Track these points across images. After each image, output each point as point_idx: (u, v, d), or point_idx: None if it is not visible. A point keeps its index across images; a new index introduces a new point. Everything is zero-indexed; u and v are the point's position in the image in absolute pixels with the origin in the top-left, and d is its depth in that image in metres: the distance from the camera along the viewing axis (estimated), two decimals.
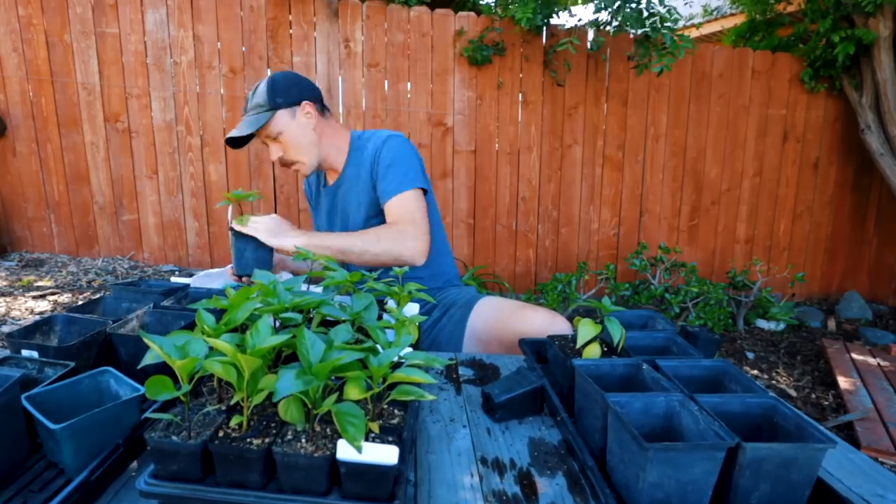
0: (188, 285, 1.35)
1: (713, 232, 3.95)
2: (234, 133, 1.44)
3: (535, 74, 3.53)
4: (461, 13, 3.41)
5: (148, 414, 0.69)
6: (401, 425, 0.72)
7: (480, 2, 4.15)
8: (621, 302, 3.42)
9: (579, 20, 3.67)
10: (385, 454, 0.61)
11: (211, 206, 3.36)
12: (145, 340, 0.65)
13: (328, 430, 0.68)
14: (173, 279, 1.52)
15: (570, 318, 2.82)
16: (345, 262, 1.39)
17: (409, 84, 3.42)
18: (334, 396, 0.67)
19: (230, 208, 1.39)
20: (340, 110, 3.38)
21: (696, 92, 3.73)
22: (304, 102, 1.48)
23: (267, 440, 0.65)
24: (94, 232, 3.32)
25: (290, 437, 0.66)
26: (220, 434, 0.66)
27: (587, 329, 0.95)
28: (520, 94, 3.55)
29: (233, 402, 0.72)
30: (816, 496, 0.69)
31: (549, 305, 3.18)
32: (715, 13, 5.81)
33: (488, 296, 1.60)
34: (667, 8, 3.14)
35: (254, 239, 1.33)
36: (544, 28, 3.45)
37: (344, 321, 0.88)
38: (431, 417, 0.99)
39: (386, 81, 3.39)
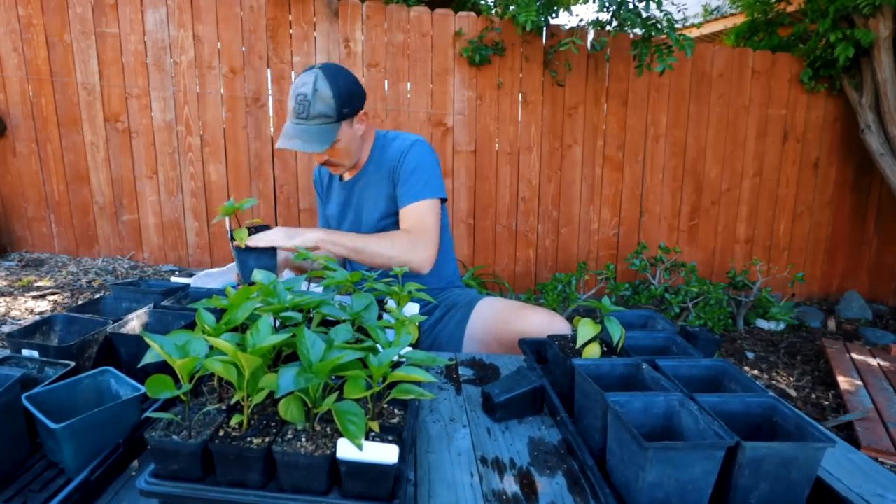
0: (188, 285, 1.36)
1: (713, 232, 3.95)
2: (301, 148, 1.37)
3: (535, 74, 3.53)
4: (461, 13, 3.41)
5: (148, 413, 0.69)
6: (401, 425, 0.72)
7: (480, 2, 4.15)
8: (621, 302, 3.42)
9: (581, 20, 3.69)
10: (385, 453, 0.61)
11: (211, 206, 3.36)
12: (146, 339, 0.65)
13: (328, 429, 0.68)
14: (173, 279, 1.52)
15: (570, 318, 2.82)
16: (355, 260, 1.41)
17: (409, 84, 3.43)
18: (334, 395, 0.67)
19: (227, 221, 1.37)
20: None
21: (696, 92, 3.73)
22: (362, 111, 1.49)
23: (267, 439, 0.65)
24: (94, 232, 3.32)
25: (290, 436, 0.66)
26: (221, 433, 0.66)
27: (587, 329, 0.96)
28: (520, 94, 3.55)
29: (233, 401, 0.72)
30: (816, 496, 0.69)
31: (549, 305, 3.18)
32: (715, 13, 5.81)
33: (489, 297, 1.61)
34: (665, 13, 3.15)
35: (255, 249, 1.32)
36: (545, 28, 3.45)
37: (344, 321, 0.88)
38: (431, 417, 0.99)
39: (386, 81, 3.40)
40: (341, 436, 0.63)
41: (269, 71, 3.28)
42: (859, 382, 2.58)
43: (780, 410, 0.73)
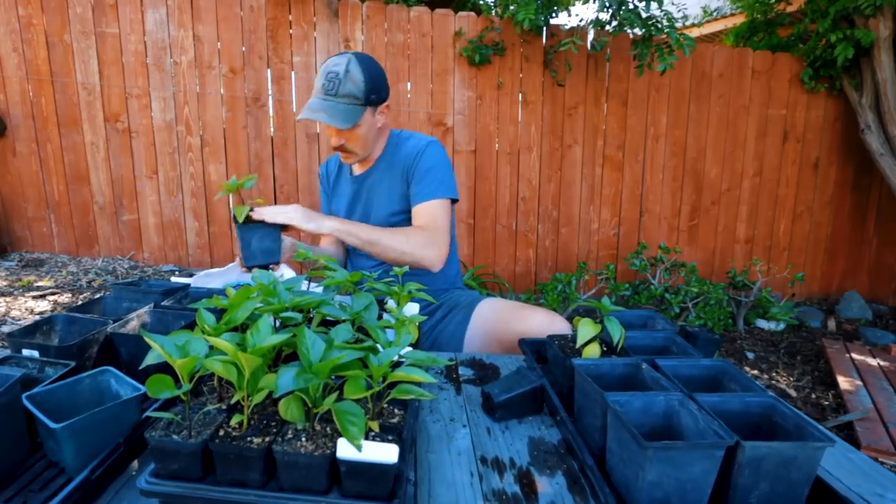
0: (188, 285, 1.36)
1: (713, 232, 3.95)
2: (326, 121, 1.37)
3: (535, 74, 3.53)
4: (461, 13, 3.41)
5: (149, 413, 0.69)
6: (401, 424, 0.72)
7: (480, 2, 4.15)
8: (621, 302, 3.42)
9: (581, 20, 3.70)
10: (385, 453, 0.61)
11: (211, 206, 3.36)
12: (146, 339, 0.66)
13: (328, 429, 0.68)
14: (173, 279, 1.51)
15: (570, 318, 2.82)
16: (368, 252, 1.40)
17: (409, 84, 3.43)
18: (334, 395, 0.67)
19: (231, 199, 1.33)
20: None
21: (696, 92, 3.73)
22: (385, 104, 1.51)
23: (267, 439, 0.65)
24: (94, 232, 3.32)
25: (290, 435, 0.66)
26: (221, 433, 0.66)
27: (587, 329, 0.96)
28: (520, 94, 3.55)
29: (233, 401, 0.72)
30: (816, 495, 0.69)
31: (549, 305, 3.18)
32: (715, 13, 5.80)
33: (490, 297, 1.61)
34: (665, 13, 3.15)
35: (259, 229, 1.29)
36: (544, 28, 3.45)
37: (344, 321, 0.88)
38: (431, 417, 0.99)
39: None
40: (341, 435, 0.63)
41: (269, 71, 3.28)
42: (859, 382, 2.58)
43: (780, 410, 0.73)
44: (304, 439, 0.65)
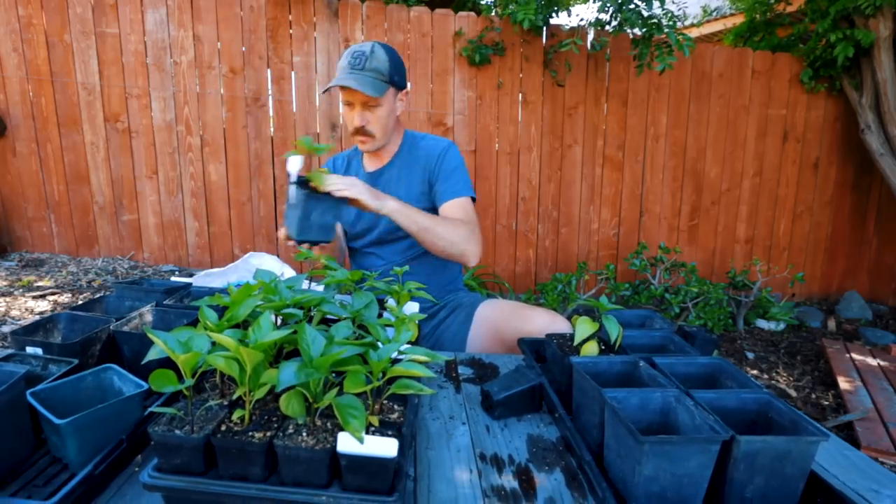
0: (190, 284, 1.36)
1: (713, 232, 3.96)
2: (356, 86, 1.37)
3: (535, 74, 3.54)
4: (461, 13, 3.41)
5: (152, 408, 0.70)
6: (400, 420, 0.73)
7: (480, 2, 4.16)
8: (621, 302, 3.43)
9: (581, 20, 3.70)
10: (385, 447, 0.62)
11: (211, 206, 3.36)
12: (149, 335, 0.66)
13: (329, 423, 0.69)
14: (173, 279, 1.52)
15: (570, 318, 2.83)
16: (417, 238, 1.40)
17: (408, 84, 3.43)
18: (335, 391, 0.68)
19: (298, 160, 1.16)
20: (340, 110, 3.38)
21: (696, 92, 3.73)
22: (405, 90, 1.54)
23: (268, 434, 0.66)
24: (94, 232, 3.33)
25: (291, 430, 0.66)
26: (223, 428, 0.67)
27: (584, 327, 0.96)
28: (520, 94, 3.55)
29: (235, 396, 0.73)
30: (812, 491, 0.69)
31: (549, 305, 3.19)
32: (715, 13, 5.81)
33: (492, 298, 1.63)
34: (666, 12, 3.15)
35: (323, 201, 1.20)
36: (544, 28, 3.46)
37: (344, 318, 0.89)
38: (431, 415, 1.00)
39: None
40: (342, 430, 0.64)
41: (269, 71, 3.28)
42: (859, 382, 2.59)
43: (775, 406, 0.74)
44: (304, 434, 0.66)
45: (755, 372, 2.89)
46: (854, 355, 2.91)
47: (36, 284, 2.80)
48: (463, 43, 3.39)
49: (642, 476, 0.64)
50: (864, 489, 0.82)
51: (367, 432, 0.66)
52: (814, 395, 2.65)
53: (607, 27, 3.55)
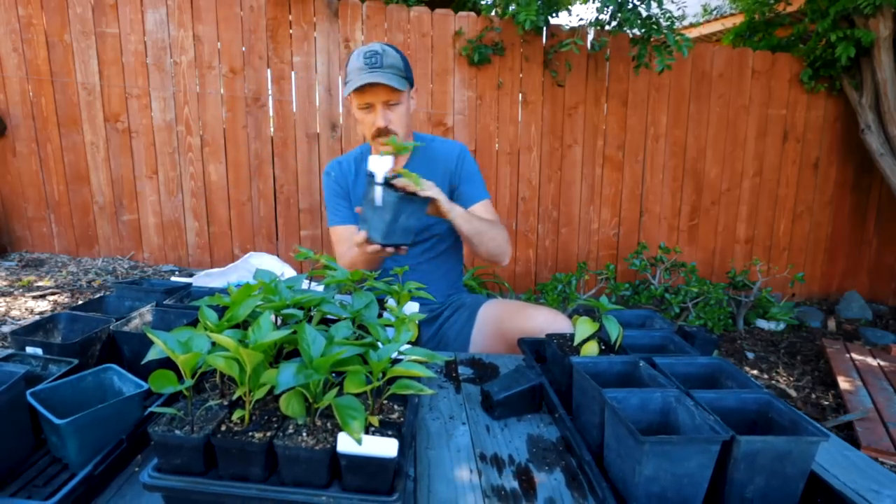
0: (190, 284, 1.36)
1: (713, 232, 3.96)
2: (385, 80, 1.36)
3: (535, 74, 3.54)
4: (461, 13, 3.41)
5: (152, 408, 0.69)
6: (400, 420, 0.73)
7: (480, 2, 4.16)
8: (621, 302, 3.43)
9: (581, 20, 3.71)
10: (385, 447, 0.62)
11: (211, 206, 3.36)
12: (149, 336, 0.66)
13: (329, 424, 0.69)
14: (173, 279, 1.52)
15: (570, 318, 2.83)
16: (469, 240, 1.42)
17: None
18: (335, 391, 0.68)
19: (388, 161, 1.11)
20: (340, 110, 3.39)
21: (696, 92, 3.73)
22: (415, 88, 1.56)
23: (268, 434, 0.66)
24: (94, 232, 3.33)
25: (291, 430, 0.66)
26: (223, 428, 0.67)
27: (584, 327, 0.96)
28: (520, 94, 3.55)
29: (235, 396, 0.73)
30: (812, 491, 0.69)
31: (549, 305, 3.19)
32: (715, 13, 5.81)
33: (494, 298, 1.63)
34: (665, 12, 3.15)
35: (412, 202, 1.15)
36: (544, 28, 3.46)
37: (344, 319, 0.89)
38: (431, 415, 1.00)
39: None
40: (342, 430, 0.64)
41: (269, 71, 3.28)
42: (859, 382, 2.59)
43: (776, 406, 0.74)
44: (304, 434, 0.66)
45: (755, 372, 2.89)
46: (854, 355, 2.91)
47: (36, 284, 2.80)
48: (463, 43, 3.39)
49: (642, 476, 0.64)
50: (864, 489, 0.82)
51: (367, 432, 0.66)
52: (814, 395, 2.65)
53: (607, 27, 3.55)
